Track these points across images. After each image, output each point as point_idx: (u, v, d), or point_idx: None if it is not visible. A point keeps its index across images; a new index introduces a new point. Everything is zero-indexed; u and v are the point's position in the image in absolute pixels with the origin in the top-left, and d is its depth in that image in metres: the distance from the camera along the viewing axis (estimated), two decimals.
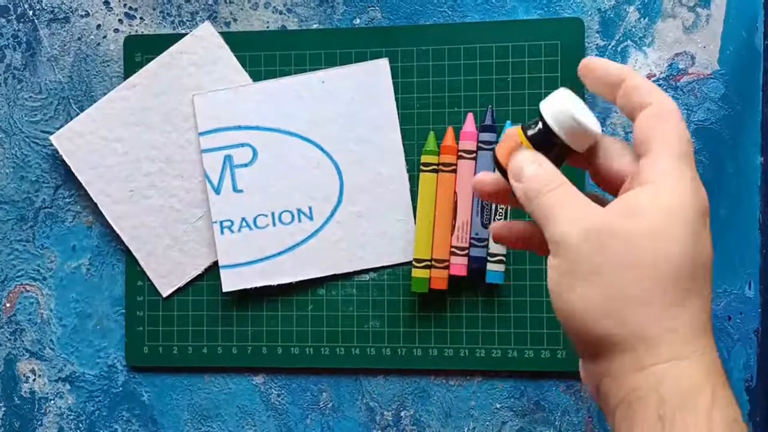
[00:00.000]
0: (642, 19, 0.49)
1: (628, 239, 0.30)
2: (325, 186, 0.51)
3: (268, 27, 0.52)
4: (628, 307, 0.30)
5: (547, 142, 0.33)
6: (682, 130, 0.32)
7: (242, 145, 0.51)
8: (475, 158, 0.49)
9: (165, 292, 0.52)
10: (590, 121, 0.33)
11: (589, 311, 0.30)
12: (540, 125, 0.33)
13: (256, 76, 0.52)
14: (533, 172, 0.32)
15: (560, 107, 0.33)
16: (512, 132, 0.34)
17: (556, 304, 0.31)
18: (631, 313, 0.30)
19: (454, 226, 0.49)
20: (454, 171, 0.49)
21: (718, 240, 0.42)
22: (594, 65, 0.34)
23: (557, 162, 0.33)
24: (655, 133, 0.32)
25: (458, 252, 0.49)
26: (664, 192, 0.31)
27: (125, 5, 0.53)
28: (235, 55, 0.52)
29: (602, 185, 0.34)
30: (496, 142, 0.49)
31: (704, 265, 0.30)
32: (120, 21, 0.53)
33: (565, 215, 0.31)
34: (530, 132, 0.34)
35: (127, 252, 0.52)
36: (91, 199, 0.52)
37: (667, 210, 0.30)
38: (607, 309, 0.30)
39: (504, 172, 0.34)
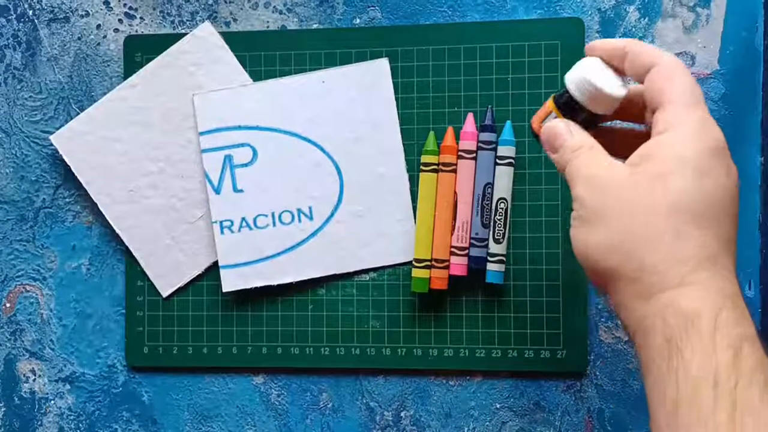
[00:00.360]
0: (642, 19, 0.49)
1: (633, 184, 0.33)
2: (325, 186, 0.51)
3: (268, 27, 0.52)
4: (632, 242, 0.33)
5: (573, 109, 0.37)
6: (687, 81, 0.34)
7: (242, 145, 0.51)
8: (475, 158, 0.49)
9: (165, 292, 0.52)
10: (612, 84, 0.36)
11: (597, 249, 0.34)
12: (567, 93, 0.37)
13: (256, 76, 0.52)
14: (561, 143, 0.37)
15: (580, 75, 0.36)
16: (547, 102, 0.38)
17: (574, 250, 0.35)
18: (636, 247, 0.33)
19: (454, 226, 0.49)
20: (454, 171, 0.49)
21: None
22: (596, 45, 0.38)
23: (587, 125, 0.37)
24: (663, 88, 0.34)
25: (458, 252, 0.49)
26: (670, 137, 0.33)
27: (125, 5, 0.53)
28: (235, 55, 0.52)
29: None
30: (496, 142, 0.49)
31: (720, 199, 0.32)
32: (120, 21, 0.53)
33: (583, 174, 0.35)
34: (559, 101, 0.38)
35: (127, 252, 0.52)
36: (91, 198, 0.52)
37: (670, 152, 0.33)
38: (612, 245, 0.33)
39: (538, 138, 0.38)
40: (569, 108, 0.37)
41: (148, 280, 0.52)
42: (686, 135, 0.33)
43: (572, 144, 0.36)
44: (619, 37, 0.49)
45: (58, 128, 0.53)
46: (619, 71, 0.37)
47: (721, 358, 0.29)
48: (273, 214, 0.51)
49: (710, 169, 0.32)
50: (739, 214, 0.34)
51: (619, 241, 0.33)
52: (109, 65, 0.53)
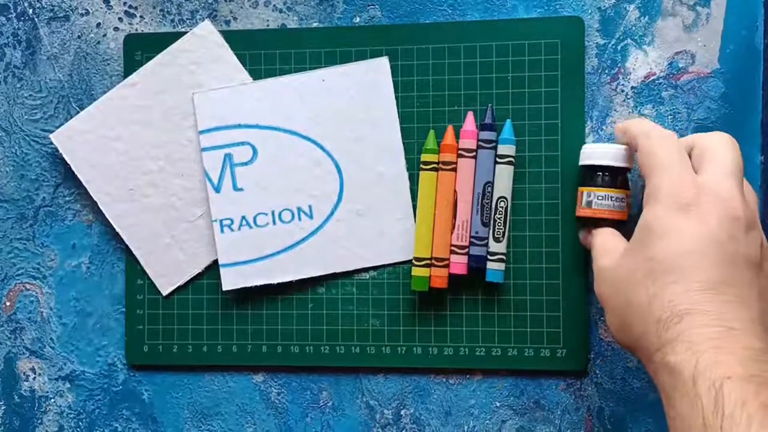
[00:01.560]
0: (642, 18, 0.49)
1: (622, 266, 0.40)
2: (325, 184, 0.51)
3: (268, 25, 0.52)
4: (626, 317, 0.39)
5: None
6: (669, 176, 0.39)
7: (242, 143, 0.51)
8: (475, 157, 0.49)
9: (165, 291, 0.52)
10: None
11: (613, 329, 0.41)
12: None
13: (256, 75, 0.52)
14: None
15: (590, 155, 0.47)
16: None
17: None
18: (629, 321, 0.39)
19: (454, 225, 0.49)
20: (454, 169, 0.49)
21: None
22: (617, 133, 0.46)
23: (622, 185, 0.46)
24: (645, 170, 0.40)
25: (458, 250, 0.49)
26: (641, 216, 0.40)
27: (125, 3, 0.53)
28: (235, 54, 0.52)
29: None
30: (496, 141, 0.49)
31: (688, 250, 0.36)
32: (120, 19, 0.53)
33: (594, 268, 0.43)
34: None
35: (127, 250, 0.52)
36: (91, 197, 0.52)
37: (642, 222, 0.39)
38: (617, 325, 0.40)
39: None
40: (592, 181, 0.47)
41: (148, 278, 0.52)
42: (654, 201, 0.38)
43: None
44: (619, 36, 0.49)
45: (58, 127, 0.53)
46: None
47: (704, 401, 0.32)
48: (273, 213, 0.51)
49: (674, 227, 0.37)
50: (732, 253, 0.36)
51: (619, 322, 0.40)
52: (109, 64, 0.53)
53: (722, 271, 0.35)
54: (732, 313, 0.34)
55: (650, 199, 0.39)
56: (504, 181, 0.48)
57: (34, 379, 0.54)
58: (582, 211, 0.46)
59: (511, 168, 0.48)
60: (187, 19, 0.53)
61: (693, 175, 0.38)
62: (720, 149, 0.39)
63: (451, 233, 0.49)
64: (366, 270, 0.51)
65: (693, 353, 0.33)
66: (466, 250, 0.49)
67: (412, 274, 0.49)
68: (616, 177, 0.46)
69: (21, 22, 0.54)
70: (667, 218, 0.37)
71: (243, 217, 0.51)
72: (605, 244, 0.43)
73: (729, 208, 0.37)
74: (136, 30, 0.53)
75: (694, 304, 0.35)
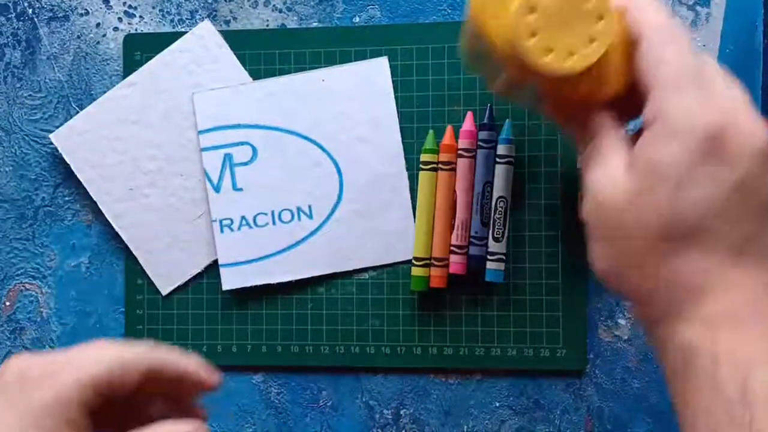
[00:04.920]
0: None
1: (622, 202, 0.30)
2: (324, 184, 0.51)
3: (267, 25, 0.52)
4: (620, 268, 0.31)
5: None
6: (675, 54, 0.30)
7: (242, 143, 0.51)
8: (474, 157, 0.49)
9: (165, 291, 0.52)
10: None
11: (601, 272, 0.32)
12: None
13: (255, 75, 0.52)
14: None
15: None
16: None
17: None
18: (624, 273, 0.31)
19: (453, 225, 0.49)
20: (454, 169, 0.49)
21: None
22: None
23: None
24: (648, 68, 0.30)
25: (457, 250, 0.49)
26: (649, 138, 0.29)
27: (125, 3, 0.53)
28: (235, 54, 0.52)
29: None
30: (496, 141, 0.49)
31: (714, 205, 0.28)
32: (119, 19, 0.53)
33: (590, 188, 0.32)
34: None
35: (127, 250, 0.52)
36: (90, 197, 0.52)
37: (648, 161, 0.29)
38: (608, 271, 0.32)
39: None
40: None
41: (148, 278, 0.52)
42: (666, 133, 0.29)
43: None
44: None
45: (57, 127, 0.53)
46: None
47: (729, 392, 0.27)
48: (273, 213, 0.51)
49: (697, 174, 0.28)
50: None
51: (612, 268, 0.31)
52: (108, 64, 0.53)
53: (751, 227, 0.29)
54: (759, 278, 0.29)
55: (657, 126, 0.29)
56: (503, 181, 0.48)
57: None
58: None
59: (510, 168, 0.48)
60: (187, 19, 0.53)
61: (719, 95, 0.30)
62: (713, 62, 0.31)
63: (451, 233, 0.49)
64: (366, 270, 0.51)
65: (713, 331, 0.28)
66: (466, 250, 0.49)
67: (412, 274, 0.49)
68: None
69: (21, 22, 0.54)
70: (687, 161, 0.28)
71: (243, 217, 0.51)
72: (608, 150, 0.32)
73: (759, 142, 0.29)
74: (136, 30, 0.53)
75: (717, 272, 0.29)
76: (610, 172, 0.31)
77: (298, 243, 0.51)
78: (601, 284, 0.33)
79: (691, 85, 0.29)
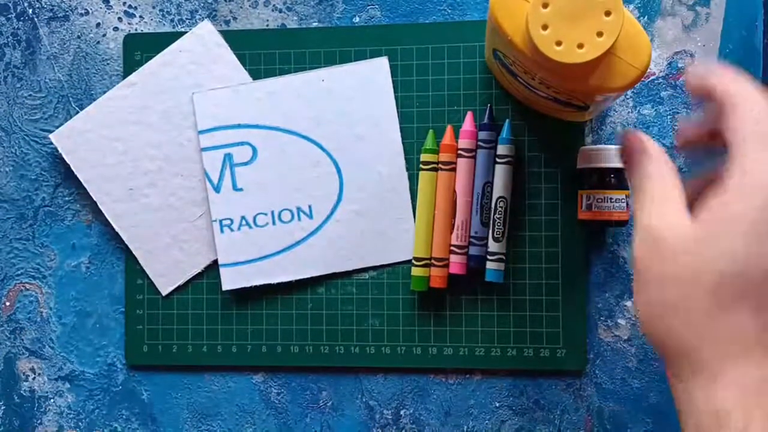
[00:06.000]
0: (641, 18, 0.49)
1: (674, 249, 0.29)
2: (324, 184, 0.51)
3: (267, 25, 0.52)
4: (666, 314, 0.30)
5: None
6: (759, 112, 0.29)
7: (242, 143, 0.51)
8: (474, 157, 0.49)
9: (165, 291, 0.52)
10: None
11: (644, 316, 0.31)
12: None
13: (255, 75, 0.52)
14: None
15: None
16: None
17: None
18: (668, 320, 0.30)
19: (453, 225, 0.49)
20: (454, 169, 0.49)
21: None
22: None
23: None
24: (732, 126, 0.29)
25: (457, 250, 0.49)
26: (728, 191, 0.29)
27: (125, 3, 0.53)
28: (235, 54, 0.52)
29: None
30: (496, 141, 0.49)
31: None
32: (119, 19, 0.53)
33: (644, 224, 0.31)
34: None
35: (127, 250, 0.52)
36: (90, 197, 0.52)
37: (724, 210, 0.29)
38: (651, 315, 0.30)
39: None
40: None
41: (148, 278, 0.52)
42: (749, 186, 0.28)
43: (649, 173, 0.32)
44: None
45: (57, 127, 0.53)
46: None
47: None
48: (273, 213, 0.51)
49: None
50: None
51: (656, 316, 0.30)
52: (108, 64, 0.53)
53: None
54: None
55: (737, 179, 0.29)
56: (503, 181, 0.48)
57: (33, 379, 0.54)
58: (583, 215, 0.46)
59: (510, 168, 0.48)
60: (187, 19, 0.53)
61: None
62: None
63: (451, 233, 0.49)
64: (365, 270, 0.51)
65: (748, 398, 0.28)
66: (466, 250, 0.49)
67: (412, 274, 0.49)
68: (615, 178, 0.46)
69: (21, 22, 0.54)
70: (764, 217, 0.28)
71: (243, 217, 0.51)
72: (665, 193, 0.31)
73: None
74: (136, 30, 0.53)
75: (762, 335, 0.28)
76: (671, 219, 0.30)
77: (298, 243, 0.51)
78: (643, 336, 0.31)
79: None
